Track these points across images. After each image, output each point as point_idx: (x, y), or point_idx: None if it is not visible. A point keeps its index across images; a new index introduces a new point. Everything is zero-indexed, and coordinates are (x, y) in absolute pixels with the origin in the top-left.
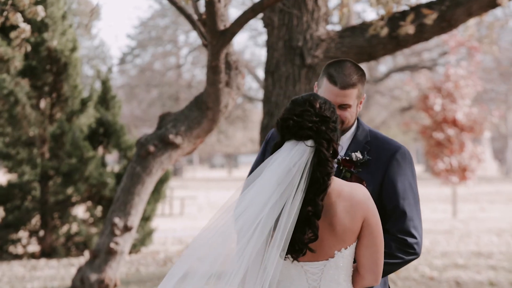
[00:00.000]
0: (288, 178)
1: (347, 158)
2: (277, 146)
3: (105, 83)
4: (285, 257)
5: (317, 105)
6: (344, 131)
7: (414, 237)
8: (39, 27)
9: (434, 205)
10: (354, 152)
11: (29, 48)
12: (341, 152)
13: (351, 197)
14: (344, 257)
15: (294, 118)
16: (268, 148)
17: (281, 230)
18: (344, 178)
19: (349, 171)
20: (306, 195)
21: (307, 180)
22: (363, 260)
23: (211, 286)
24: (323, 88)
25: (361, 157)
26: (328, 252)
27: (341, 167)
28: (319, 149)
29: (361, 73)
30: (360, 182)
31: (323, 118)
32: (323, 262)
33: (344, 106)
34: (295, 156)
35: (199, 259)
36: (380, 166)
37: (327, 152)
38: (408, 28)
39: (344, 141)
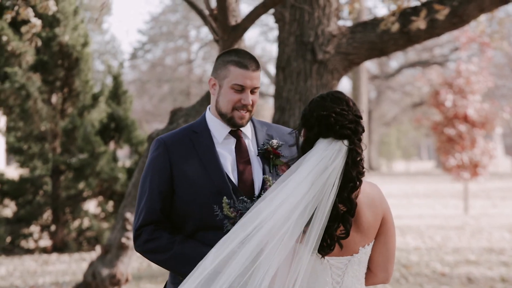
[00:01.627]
0: (324, 177)
1: (274, 146)
2: (310, 142)
3: (116, 78)
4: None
5: (351, 104)
6: (249, 119)
7: None
8: (50, 22)
9: (445, 201)
10: (265, 140)
11: (39, 43)
12: (252, 141)
13: (371, 194)
14: (366, 253)
15: (333, 115)
16: (170, 154)
17: (315, 227)
18: (275, 166)
19: (279, 159)
20: (340, 193)
21: (340, 179)
22: (377, 258)
23: (245, 280)
24: (232, 76)
25: (278, 144)
26: (353, 248)
27: (271, 156)
28: (354, 149)
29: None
30: (288, 167)
31: (358, 118)
32: (348, 258)
33: (254, 90)
34: (330, 155)
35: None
36: (290, 150)
37: (361, 152)
38: (420, 24)
39: (249, 132)
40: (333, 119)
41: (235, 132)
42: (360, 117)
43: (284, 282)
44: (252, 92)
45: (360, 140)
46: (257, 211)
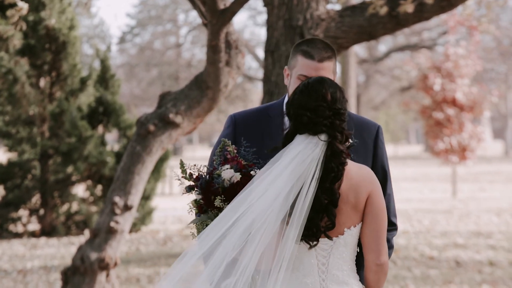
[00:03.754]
0: (302, 169)
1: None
2: (289, 137)
3: (103, 62)
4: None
5: (329, 97)
6: None
7: (395, 215)
8: (36, 6)
9: (433, 184)
10: None
11: (24, 26)
12: None
13: (355, 176)
14: (352, 235)
15: (308, 114)
16: (237, 134)
17: (297, 216)
18: None
19: None
20: (322, 184)
21: (321, 169)
22: (365, 239)
23: (229, 268)
24: (299, 66)
25: (350, 141)
26: (338, 230)
27: None
28: (333, 143)
29: (333, 49)
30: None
31: (336, 111)
32: (332, 240)
33: None
34: (308, 149)
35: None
36: (368, 148)
37: (341, 145)
38: (408, 7)
39: None
40: (306, 118)
41: None
42: (339, 109)
43: (270, 266)
44: None
45: (341, 132)
46: (247, 193)
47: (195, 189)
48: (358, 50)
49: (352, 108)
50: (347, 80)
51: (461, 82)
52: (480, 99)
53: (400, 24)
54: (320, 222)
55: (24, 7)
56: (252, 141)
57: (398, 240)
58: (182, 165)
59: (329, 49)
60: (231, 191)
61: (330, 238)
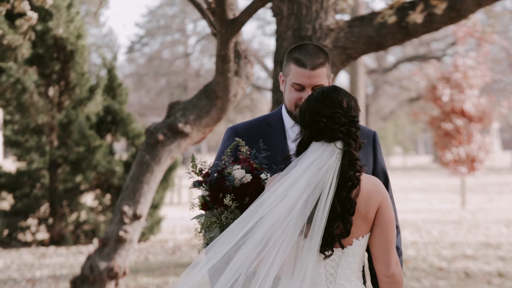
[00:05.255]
0: (318, 177)
1: None
2: (304, 144)
3: (110, 71)
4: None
5: (345, 104)
6: None
7: (397, 218)
8: (44, 15)
9: (442, 195)
10: None
11: (33, 36)
12: None
13: (366, 187)
14: (360, 245)
15: (324, 120)
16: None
17: (317, 226)
18: None
19: None
20: (339, 193)
21: (338, 178)
22: (374, 251)
23: (247, 279)
24: (292, 75)
25: None
26: (347, 240)
27: None
28: (349, 150)
29: (325, 52)
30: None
31: (352, 119)
32: (341, 250)
33: (317, 87)
34: (324, 157)
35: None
36: (368, 153)
37: (356, 153)
38: (416, 17)
39: None
40: (323, 124)
41: None
42: (355, 117)
43: (290, 281)
44: (314, 89)
45: (355, 139)
46: (259, 204)
47: (203, 185)
48: (367, 60)
49: (360, 118)
50: (356, 90)
51: (470, 93)
52: (489, 110)
53: (409, 35)
54: (334, 231)
55: (33, 16)
56: (254, 148)
57: (407, 251)
58: (193, 159)
59: (321, 54)
60: (241, 191)
61: (343, 246)
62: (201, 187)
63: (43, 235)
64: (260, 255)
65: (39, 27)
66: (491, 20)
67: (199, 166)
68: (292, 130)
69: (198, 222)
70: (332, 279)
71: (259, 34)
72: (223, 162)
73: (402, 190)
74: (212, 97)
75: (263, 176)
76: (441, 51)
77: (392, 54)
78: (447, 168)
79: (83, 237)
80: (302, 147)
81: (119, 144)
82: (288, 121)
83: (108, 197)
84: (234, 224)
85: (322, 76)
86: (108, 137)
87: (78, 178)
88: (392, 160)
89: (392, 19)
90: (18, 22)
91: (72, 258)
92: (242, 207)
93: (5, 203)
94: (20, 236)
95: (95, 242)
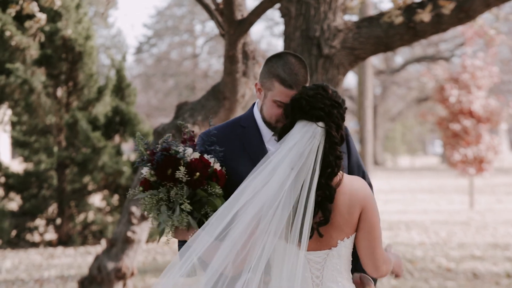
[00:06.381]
0: (301, 161)
1: None
2: (286, 129)
3: (119, 72)
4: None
5: (330, 91)
6: None
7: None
8: (52, 16)
9: (451, 196)
10: None
11: (43, 37)
12: None
13: (350, 189)
14: (345, 247)
15: (306, 98)
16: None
17: (301, 212)
18: None
19: None
20: (318, 180)
21: (320, 164)
22: (360, 252)
23: (239, 263)
24: (276, 92)
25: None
26: (330, 242)
27: None
28: (330, 132)
29: (304, 63)
30: None
31: (334, 103)
32: (326, 252)
33: None
34: (306, 138)
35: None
36: (342, 147)
37: (337, 136)
38: (424, 16)
39: None
40: (305, 101)
41: None
42: (338, 103)
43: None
44: None
45: (337, 125)
46: (243, 188)
47: (150, 164)
48: (375, 61)
49: (368, 119)
50: (364, 91)
51: (478, 93)
52: (497, 111)
53: (417, 36)
54: (313, 220)
55: (42, 18)
56: (234, 153)
57: (415, 251)
58: (138, 138)
59: (303, 70)
60: (192, 166)
61: (321, 235)
62: (148, 165)
63: (51, 235)
64: (247, 244)
65: (47, 28)
66: (496, 23)
67: (143, 144)
68: (267, 132)
69: (142, 203)
70: (318, 281)
71: (267, 34)
72: (165, 143)
73: (410, 190)
74: (220, 98)
75: (212, 160)
76: (449, 52)
77: (400, 55)
78: (455, 169)
79: (91, 238)
80: (285, 130)
81: (127, 145)
82: (261, 123)
83: (116, 197)
84: (219, 210)
85: None
86: (116, 138)
87: (86, 179)
88: (400, 161)
89: (399, 19)
90: (27, 24)
91: (80, 259)
92: (191, 183)
93: (13, 204)
94: (28, 237)
95: (103, 242)
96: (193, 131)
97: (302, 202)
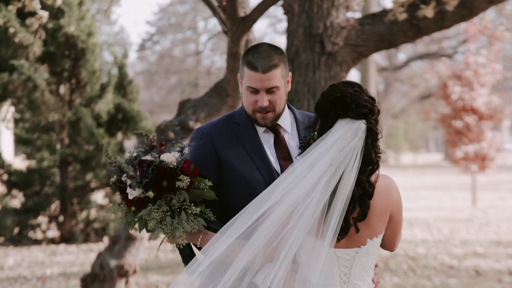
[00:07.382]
0: (341, 158)
1: (315, 139)
2: (327, 125)
3: (121, 69)
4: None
5: (363, 88)
6: (278, 116)
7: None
8: (55, 13)
9: (453, 193)
10: (307, 133)
11: (44, 35)
12: (292, 135)
13: (385, 189)
14: (374, 245)
15: (349, 96)
16: (215, 143)
17: (337, 208)
18: None
19: None
20: (358, 175)
21: (360, 161)
22: (382, 239)
23: (266, 257)
24: (246, 78)
25: None
26: (361, 240)
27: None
28: (371, 129)
29: (280, 51)
30: None
31: (373, 100)
32: (355, 250)
33: (272, 90)
34: (348, 136)
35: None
36: None
37: (379, 133)
38: (427, 12)
39: (288, 126)
40: (349, 99)
41: (273, 127)
42: (375, 100)
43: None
44: (270, 91)
45: (376, 121)
46: (275, 186)
47: (137, 182)
48: (378, 58)
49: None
50: (367, 88)
51: (481, 90)
52: (500, 108)
53: (420, 32)
54: (350, 215)
55: (44, 15)
56: (231, 148)
57: (417, 249)
58: (106, 151)
59: (274, 55)
60: (184, 173)
61: (358, 230)
62: (134, 184)
63: (53, 233)
64: (278, 236)
65: (50, 25)
66: (502, 19)
67: (112, 161)
68: (258, 127)
69: (142, 223)
70: (346, 279)
71: (270, 31)
72: (137, 155)
73: (413, 188)
74: (222, 95)
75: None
76: (452, 49)
77: (403, 52)
78: (458, 166)
79: (93, 235)
80: (326, 126)
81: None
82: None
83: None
84: (249, 206)
85: (276, 78)
86: (119, 135)
87: (88, 176)
88: (403, 158)
89: (402, 16)
90: (28, 21)
91: (82, 256)
92: (187, 187)
93: (16, 201)
94: (31, 234)
95: (105, 240)
96: (164, 138)
97: (338, 198)
